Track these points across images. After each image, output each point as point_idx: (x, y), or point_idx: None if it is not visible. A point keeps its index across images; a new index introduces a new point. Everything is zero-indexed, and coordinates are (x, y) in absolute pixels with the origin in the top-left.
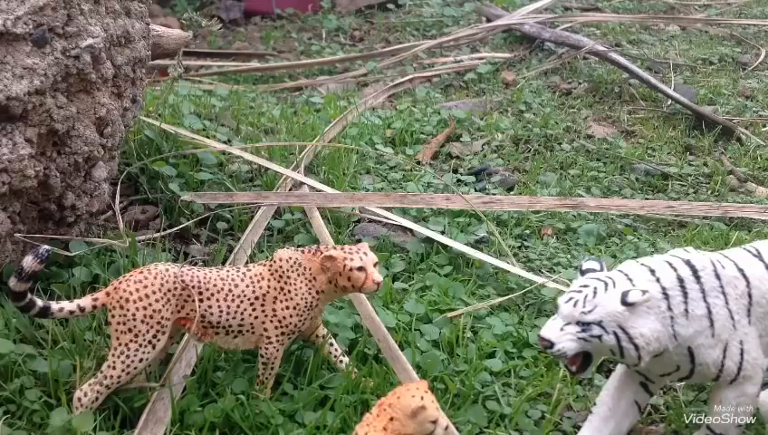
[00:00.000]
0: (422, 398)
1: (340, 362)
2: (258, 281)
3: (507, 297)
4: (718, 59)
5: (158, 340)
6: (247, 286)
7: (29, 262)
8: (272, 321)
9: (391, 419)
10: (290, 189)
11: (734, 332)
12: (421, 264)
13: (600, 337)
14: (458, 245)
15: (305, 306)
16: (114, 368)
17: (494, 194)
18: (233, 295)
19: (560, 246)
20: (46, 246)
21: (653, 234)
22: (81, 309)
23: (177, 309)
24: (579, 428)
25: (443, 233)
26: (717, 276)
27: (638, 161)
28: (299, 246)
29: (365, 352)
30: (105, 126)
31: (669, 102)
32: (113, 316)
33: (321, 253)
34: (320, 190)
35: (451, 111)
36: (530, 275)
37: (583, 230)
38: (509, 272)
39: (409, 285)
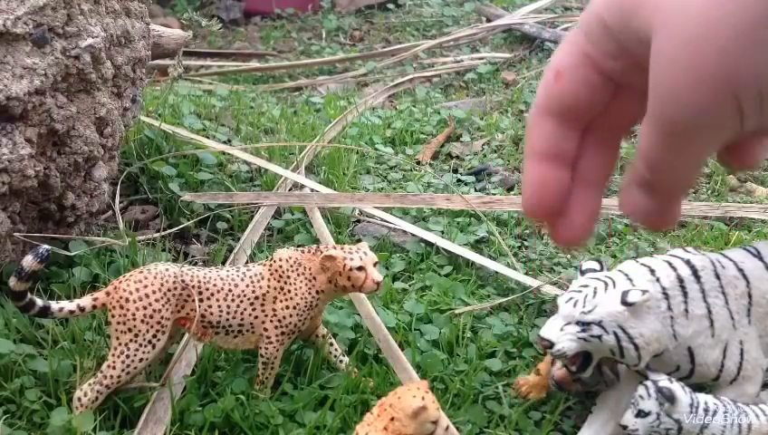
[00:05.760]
0: (423, 398)
1: (340, 362)
2: (258, 281)
3: (509, 298)
4: None
5: (158, 340)
6: (247, 286)
7: (29, 262)
8: (272, 321)
9: (392, 419)
10: (290, 189)
11: (733, 332)
12: (421, 263)
13: (599, 337)
14: (457, 248)
15: (305, 306)
16: (114, 368)
17: (494, 194)
18: (233, 295)
19: (560, 246)
20: (46, 246)
21: (653, 234)
22: (81, 309)
23: (177, 309)
24: (579, 428)
25: (443, 233)
26: (717, 276)
27: None
28: (299, 246)
29: (365, 352)
30: (105, 126)
31: None
32: (113, 316)
33: (321, 252)
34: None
35: (451, 110)
36: (527, 279)
37: None
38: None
39: (409, 285)
